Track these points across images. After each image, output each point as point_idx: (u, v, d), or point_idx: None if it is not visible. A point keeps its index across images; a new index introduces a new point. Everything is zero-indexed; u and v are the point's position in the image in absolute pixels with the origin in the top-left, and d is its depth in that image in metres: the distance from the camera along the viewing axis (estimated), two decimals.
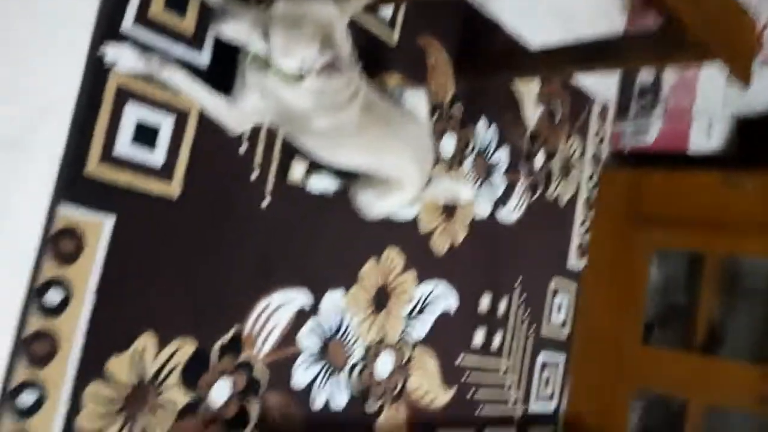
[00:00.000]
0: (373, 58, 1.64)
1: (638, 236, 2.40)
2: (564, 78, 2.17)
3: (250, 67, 1.24)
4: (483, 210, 2.04)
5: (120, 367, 1.25)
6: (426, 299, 1.87)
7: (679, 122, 2.45)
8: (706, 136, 2.38)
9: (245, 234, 1.44)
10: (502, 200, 2.10)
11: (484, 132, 2.01)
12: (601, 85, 2.53)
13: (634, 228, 2.42)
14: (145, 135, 1.27)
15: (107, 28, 1.19)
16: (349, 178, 1.56)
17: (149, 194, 1.28)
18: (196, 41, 1.33)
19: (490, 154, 2.04)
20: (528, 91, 2.17)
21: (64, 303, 1.18)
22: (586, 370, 2.44)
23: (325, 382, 1.62)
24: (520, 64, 1.83)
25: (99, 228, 1.21)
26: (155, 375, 1.31)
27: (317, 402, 1.60)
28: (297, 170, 1.52)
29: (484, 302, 2.07)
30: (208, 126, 1.34)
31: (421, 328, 1.86)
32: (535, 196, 2.24)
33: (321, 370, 1.60)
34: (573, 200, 2.43)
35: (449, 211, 1.91)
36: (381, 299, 1.74)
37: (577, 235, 2.46)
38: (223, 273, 1.41)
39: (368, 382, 1.72)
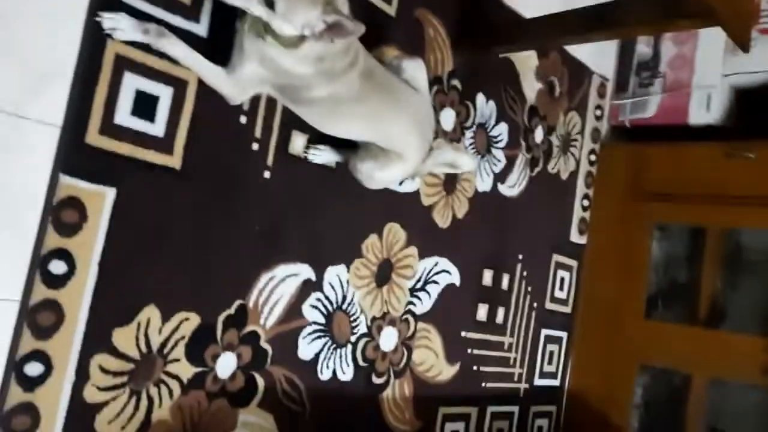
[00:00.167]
0: (371, 29, 1.63)
1: (639, 210, 2.40)
2: (562, 44, 2.16)
3: (249, 34, 1.23)
4: (484, 185, 2.03)
5: (125, 339, 1.25)
6: (429, 273, 1.86)
7: (679, 96, 2.44)
8: (706, 109, 2.38)
9: (247, 206, 1.43)
10: (502, 175, 2.10)
11: (484, 106, 2.01)
12: (599, 60, 2.52)
13: (636, 202, 2.41)
14: (145, 105, 1.26)
15: None
16: (349, 149, 1.55)
17: (151, 165, 1.27)
18: (193, 11, 1.32)
19: (490, 128, 2.04)
20: (526, 65, 2.17)
21: (68, 274, 1.17)
22: (590, 345, 2.44)
23: (331, 355, 1.61)
24: (517, 36, 1.82)
25: (101, 199, 1.21)
26: (161, 347, 1.30)
27: (323, 374, 1.60)
28: (297, 142, 1.52)
29: (487, 277, 2.06)
30: (207, 96, 1.33)
31: (425, 302, 1.86)
32: (536, 171, 2.24)
33: (326, 343, 1.60)
34: (573, 175, 2.42)
35: (450, 185, 1.91)
36: (384, 273, 1.74)
37: (578, 210, 2.45)
38: (226, 245, 1.40)
39: (373, 355, 1.72)
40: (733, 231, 2.41)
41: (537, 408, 2.30)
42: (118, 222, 1.23)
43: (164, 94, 1.29)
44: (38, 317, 1.14)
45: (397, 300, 1.78)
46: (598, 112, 2.55)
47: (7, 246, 1.11)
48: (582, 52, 2.42)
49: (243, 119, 1.42)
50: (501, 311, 2.12)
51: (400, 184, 1.75)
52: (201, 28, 1.33)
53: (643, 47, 2.56)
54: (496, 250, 2.10)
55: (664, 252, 2.51)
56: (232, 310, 1.42)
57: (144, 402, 1.28)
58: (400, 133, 1.48)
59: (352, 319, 1.67)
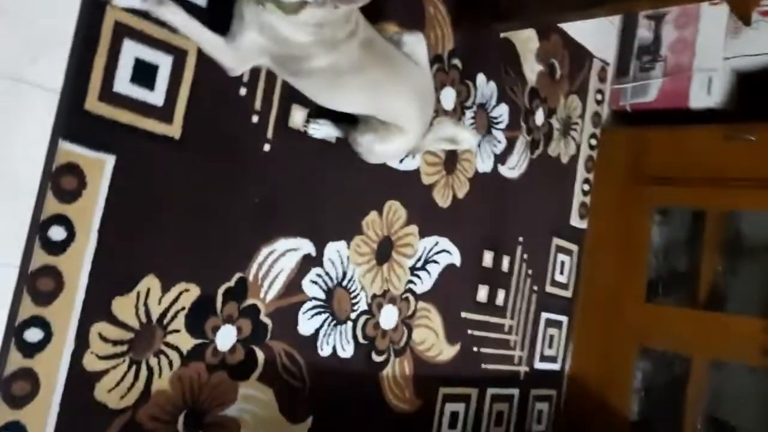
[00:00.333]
0: (371, 6, 1.62)
1: (640, 194, 2.39)
2: (563, 20, 2.15)
3: (249, 1, 1.23)
4: (484, 165, 2.03)
5: (125, 308, 1.25)
6: (429, 253, 1.86)
7: (679, 79, 2.43)
8: (707, 92, 2.37)
9: (247, 178, 1.43)
10: (503, 156, 2.09)
11: (485, 86, 2.00)
12: (600, 44, 2.52)
13: (636, 186, 2.41)
14: (144, 73, 1.26)
15: None
16: (349, 125, 1.55)
17: (150, 134, 1.27)
18: None
19: (490, 109, 2.03)
20: (527, 47, 2.16)
21: (68, 241, 1.17)
22: (590, 330, 2.44)
23: (331, 331, 1.61)
24: (517, 12, 1.81)
25: (100, 166, 1.20)
26: (160, 318, 1.30)
27: (323, 350, 1.60)
28: (297, 116, 1.51)
29: (487, 259, 2.06)
30: (207, 67, 1.33)
31: (425, 281, 1.85)
32: (536, 154, 2.23)
33: (327, 319, 1.60)
34: (574, 159, 2.42)
35: (451, 164, 1.90)
36: (385, 251, 1.73)
37: (579, 195, 2.45)
38: (225, 217, 1.40)
39: (373, 333, 1.71)
40: (733, 215, 2.41)
41: (537, 391, 2.30)
42: (117, 190, 1.22)
43: (164, 62, 1.28)
44: (38, 283, 1.13)
45: (397, 278, 1.77)
46: (599, 97, 2.54)
47: (6, 210, 1.10)
48: (583, 36, 2.42)
49: (243, 91, 1.41)
50: (501, 293, 2.12)
51: (401, 161, 1.75)
52: None
53: (644, 31, 2.56)
54: (496, 231, 2.09)
55: (664, 237, 2.50)
56: (231, 283, 1.41)
57: (144, 372, 1.28)
58: (400, 106, 1.47)
59: (352, 296, 1.66)
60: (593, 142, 2.52)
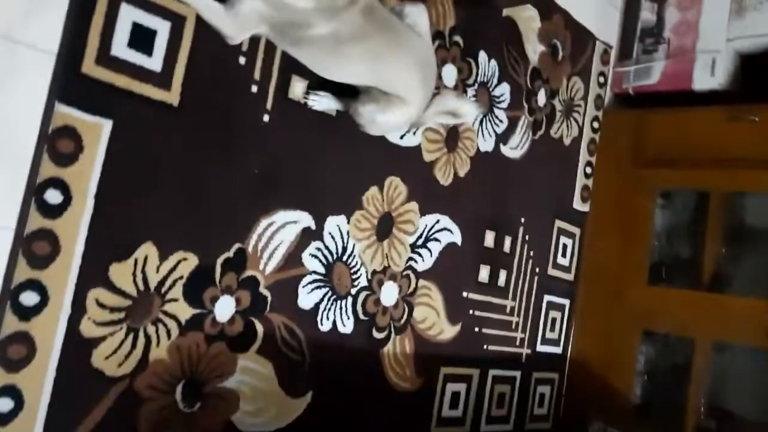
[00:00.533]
0: None
1: (643, 176, 2.38)
2: None
3: None
4: (486, 144, 2.01)
5: (122, 275, 1.24)
6: (430, 231, 1.84)
7: (683, 61, 2.42)
8: (710, 74, 2.35)
9: (246, 148, 1.42)
10: (504, 136, 2.08)
11: (486, 65, 1.99)
12: (603, 27, 2.50)
13: (639, 168, 2.39)
14: (142, 38, 1.24)
15: None
16: (349, 98, 1.53)
17: (148, 100, 1.26)
18: None
19: (492, 87, 2.02)
20: (529, 26, 2.15)
21: (64, 204, 1.16)
22: (592, 312, 2.42)
23: (331, 306, 1.60)
24: None
25: (97, 130, 1.19)
26: (158, 286, 1.29)
27: (323, 325, 1.58)
28: (297, 87, 1.50)
29: (488, 239, 2.05)
30: (206, 34, 1.32)
31: (426, 259, 1.84)
32: (538, 135, 2.22)
33: (327, 293, 1.59)
34: (576, 142, 2.40)
35: (452, 142, 1.89)
36: (385, 227, 1.72)
37: (581, 178, 2.43)
38: (224, 187, 1.39)
39: (374, 309, 1.70)
40: (736, 198, 2.39)
41: (539, 374, 2.28)
42: (114, 155, 1.21)
43: (162, 28, 1.27)
44: (33, 246, 1.12)
45: (398, 255, 1.76)
46: (601, 79, 2.52)
47: (1, 172, 1.09)
48: (585, 18, 2.40)
49: (242, 60, 1.40)
50: (503, 274, 2.10)
51: (401, 137, 1.74)
52: None
53: (646, 13, 2.54)
54: (497, 211, 2.08)
55: (666, 220, 2.49)
56: (230, 253, 1.40)
57: (141, 340, 1.27)
58: (402, 76, 1.46)
59: (352, 271, 1.65)
60: (595, 125, 2.50)
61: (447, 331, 1.92)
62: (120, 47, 1.21)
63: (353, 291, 1.65)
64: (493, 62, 2.02)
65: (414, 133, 1.76)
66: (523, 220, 2.17)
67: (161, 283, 1.29)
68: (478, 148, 1.98)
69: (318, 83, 1.52)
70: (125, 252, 1.24)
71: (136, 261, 1.25)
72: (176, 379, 1.32)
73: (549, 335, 2.32)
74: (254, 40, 1.41)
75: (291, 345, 1.52)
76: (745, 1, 2.33)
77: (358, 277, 1.66)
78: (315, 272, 1.56)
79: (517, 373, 2.19)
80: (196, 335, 1.35)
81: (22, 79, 1.10)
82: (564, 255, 2.37)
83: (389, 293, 1.74)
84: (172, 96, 1.29)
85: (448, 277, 1.91)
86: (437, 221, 1.87)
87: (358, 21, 1.33)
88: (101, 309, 1.21)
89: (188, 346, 1.33)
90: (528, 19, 2.14)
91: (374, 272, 1.70)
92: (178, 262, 1.32)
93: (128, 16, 1.22)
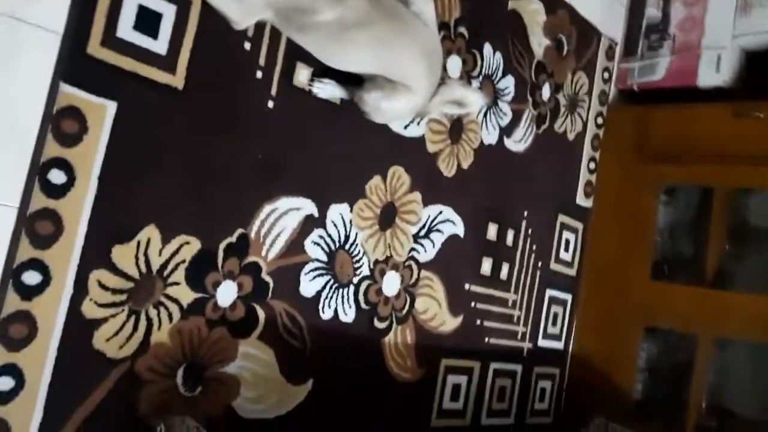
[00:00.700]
0: None
1: (646, 172, 2.37)
2: None
3: None
4: (490, 137, 2.01)
5: (125, 257, 1.24)
6: (433, 222, 1.84)
7: (688, 58, 2.41)
8: (716, 70, 2.35)
9: (250, 134, 1.42)
10: (508, 129, 2.08)
11: (491, 57, 1.99)
12: (608, 23, 2.50)
13: (643, 164, 2.38)
14: (148, 21, 1.25)
15: None
16: (354, 86, 1.53)
17: (153, 83, 1.26)
18: None
19: (497, 80, 2.01)
20: (534, 20, 2.14)
21: (68, 185, 1.16)
22: (594, 309, 2.42)
23: (333, 294, 1.60)
24: None
25: (102, 111, 1.19)
26: (160, 269, 1.29)
27: (325, 313, 1.58)
28: (302, 74, 1.50)
29: (491, 231, 2.04)
30: (211, 18, 1.32)
31: (428, 250, 1.84)
32: (542, 129, 2.21)
33: (328, 281, 1.59)
34: (580, 137, 2.40)
35: (456, 134, 1.89)
36: (388, 216, 1.72)
37: (585, 173, 2.43)
38: (227, 172, 1.39)
39: (376, 299, 1.70)
40: (740, 194, 2.38)
41: (540, 369, 2.28)
42: (118, 137, 1.21)
43: (167, 11, 1.27)
44: (37, 225, 1.12)
45: (400, 245, 1.76)
46: (606, 75, 2.52)
47: (5, 150, 1.09)
48: (591, 13, 2.40)
49: (247, 45, 1.40)
50: (505, 267, 2.10)
51: (405, 127, 1.74)
52: None
53: (652, 10, 2.53)
54: (500, 204, 2.07)
55: (669, 216, 2.48)
56: (233, 239, 1.40)
57: (143, 322, 1.27)
58: (408, 63, 1.46)
59: (354, 260, 1.65)
60: (600, 121, 2.50)
61: (448, 323, 1.92)
62: (126, 29, 1.22)
63: (355, 280, 1.65)
64: (498, 55, 2.01)
65: (418, 124, 1.76)
66: (526, 213, 2.17)
67: (163, 266, 1.29)
68: (481, 141, 1.98)
69: (322, 70, 1.52)
70: (128, 234, 1.24)
71: (138, 243, 1.25)
72: (177, 362, 1.32)
73: (551, 330, 2.32)
74: (259, 26, 1.41)
75: (292, 332, 1.52)
76: None
77: (360, 266, 1.66)
78: (317, 260, 1.56)
79: (519, 367, 2.18)
80: (198, 319, 1.35)
81: (27, 58, 1.11)
82: (567, 250, 2.37)
83: (391, 283, 1.74)
84: (177, 79, 1.29)
85: (450, 269, 1.90)
86: (440, 212, 1.86)
87: (364, 7, 1.33)
88: (103, 290, 1.21)
89: (189, 330, 1.33)
90: (533, 12, 2.14)
91: (376, 262, 1.70)
92: (181, 246, 1.32)
93: None
